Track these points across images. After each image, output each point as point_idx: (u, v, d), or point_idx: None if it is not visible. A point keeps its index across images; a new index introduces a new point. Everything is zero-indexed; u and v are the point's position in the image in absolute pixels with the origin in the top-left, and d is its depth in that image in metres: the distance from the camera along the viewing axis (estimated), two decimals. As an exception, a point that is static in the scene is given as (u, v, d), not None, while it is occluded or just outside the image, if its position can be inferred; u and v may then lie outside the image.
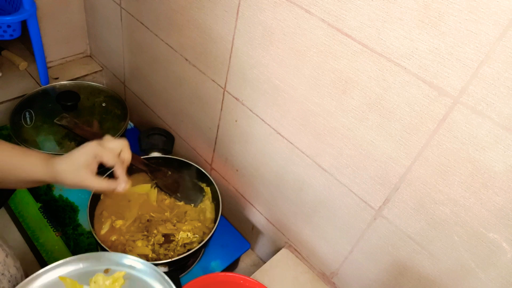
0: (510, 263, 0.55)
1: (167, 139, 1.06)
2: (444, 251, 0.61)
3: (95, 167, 0.64)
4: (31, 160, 0.63)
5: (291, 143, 0.77)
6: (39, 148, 0.97)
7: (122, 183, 0.66)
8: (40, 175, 0.63)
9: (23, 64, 1.24)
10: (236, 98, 0.84)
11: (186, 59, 0.92)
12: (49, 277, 0.59)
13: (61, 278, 0.59)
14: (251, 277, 0.82)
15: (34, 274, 0.58)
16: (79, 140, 1.01)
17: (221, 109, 0.90)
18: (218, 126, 0.93)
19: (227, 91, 0.85)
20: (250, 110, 0.82)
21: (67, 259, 0.61)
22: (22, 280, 0.54)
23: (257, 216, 0.97)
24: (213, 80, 0.88)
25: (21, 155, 0.63)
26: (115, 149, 0.65)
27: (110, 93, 1.15)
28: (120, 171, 0.66)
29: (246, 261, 1.04)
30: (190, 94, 0.97)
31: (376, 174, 0.65)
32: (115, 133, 1.04)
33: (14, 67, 1.24)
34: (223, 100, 0.88)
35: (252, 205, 0.97)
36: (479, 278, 0.59)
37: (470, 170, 0.54)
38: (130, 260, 0.62)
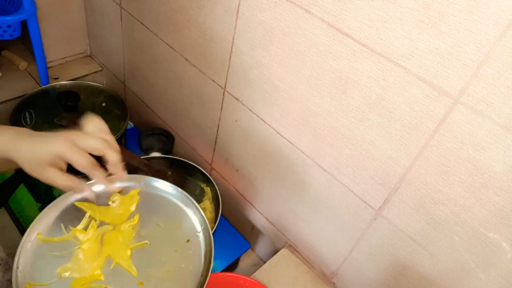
0: (510, 263, 0.55)
1: (167, 139, 1.06)
2: (444, 251, 0.61)
3: (64, 165, 0.54)
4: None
5: (291, 143, 0.77)
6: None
7: (88, 188, 0.57)
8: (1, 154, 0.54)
9: (23, 64, 1.24)
10: (236, 98, 0.84)
11: (186, 59, 0.92)
12: (66, 203, 0.60)
13: (77, 203, 0.59)
14: (251, 277, 0.83)
15: (51, 204, 0.59)
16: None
17: (221, 109, 0.90)
18: (218, 126, 0.93)
19: (227, 91, 0.85)
20: (250, 110, 0.82)
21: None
22: (13, 264, 0.54)
23: (257, 216, 0.97)
24: (213, 80, 0.88)
25: None
26: (91, 149, 0.54)
27: (110, 93, 1.15)
28: (97, 178, 0.55)
29: (246, 261, 1.04)
30: (190, 94, 0.97)
31: (376, 174, 0.65)
32: (115, 133, 1.04)
33: (14, 67, 1.24)
34: (223, 100, 0.88)
35: (252, 205, 0.97)
36: (479, 278, 0.59)
37: (470, 170, 0.54)
38: (142, 178, 0.64)
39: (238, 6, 0.72)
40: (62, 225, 0.57)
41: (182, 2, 0.84)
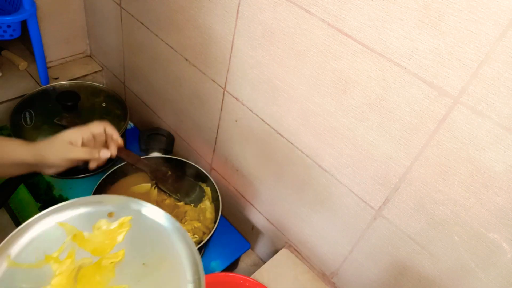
0: (510, 263, 0.55)
1: (167, 139, 1.06)
2: (444, 251, 0.61)
3: (80, 142, 0.67)
4: (14, 142, 0.65)
5: (291, 143, 0.77)
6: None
7: (104, 149, 0.70)
8: (23, 156, 0.64)
9: (23, 64, 1.24)
10: (236, 98, 0.84)
11: (186, 59, 0.92)
12: (46, 224, 0.53)
13: (60, 224, 0.53)
14: (251, 277, 0.83)
15: (29, 220, 0.52)
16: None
17: (221, 109, 0.90)
18: (218, 126, 0.93)
19: (227, 91, 0.85)
20: (250, 110, 0.82)
21: (65, 203, 0.54)
22: None
23: (257, 216, 0.97)
24: (213, 80, 0.88)
25: (3, 140, 0.66)
26: (98, 127, 0.70)
27: (110, 93, 1.15)
28: (110, 130, 0.71)
29: (246, 261, 1.04)
30: (190, 94, 0.97)
31: (376, 174, 0.65)
32: (115, 133, 1.04)
33: (14, 67, 1.24)
34: (223, 100, 0.88)
35: (252, 205, 0.97)
36: (479, 278, 0.59)
37: (470, 170, 0.54)
38: (136, 203, 0.55)
39: (238, 6, 0.72)
40: (37, 248, 0.50)
41: (182, 2, 0.84)
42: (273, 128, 0.79)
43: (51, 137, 0.67)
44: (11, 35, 1.01)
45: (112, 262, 0.50)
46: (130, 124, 1.27)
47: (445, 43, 0.49)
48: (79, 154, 0.67)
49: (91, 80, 1.29)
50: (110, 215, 0.55)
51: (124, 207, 0.56)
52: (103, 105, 1.11)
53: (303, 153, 0.76)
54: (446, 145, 0.55)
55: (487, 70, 0.47)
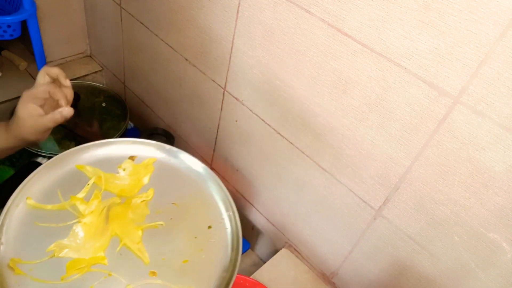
0: (510, 263, 0.55)
1: (167, 139, 1.06)
2: (444, 251, 0.61)
3: (40, 109, 0.63)
4: None
5: (291, 143, 0.77)
6: (39, 148, 0.97)
7: (64, 108, 0.65)
8: (4, 143, 0.64)
9: (23, 64, 1.24)
10: (236, 98, 0.84)
11: (186, 59, 0.92)
12: (61, 168, 0.50)
13: (78, 166, 0.51)
14: (251, 277, 0.83)
15: (48, 162, 0.51)
16: (79, 140, 1.01)
17: (221, 109, 0.90)
18: (218, 126, 0.93)
19: (227, 91, 0.85)
20: (250, 110, 0.82)
21: (83, 146, 0.52)
22: None
23: (257, 216, 0.97)
24: (213, 80, 0.88)
25: None
26: (41, 80, 0.66)
27: (110, 93, 1.15)
28: (58, 95, 0.64)
29: (246, 261, 1.04)
30: (190, 94, 0.97)
31: (376, 174, 0.65)
32: (115, 133, 1.04)
33: (14, 67, 1.24)
34: (223, 100, 0.88)
35: (252, 205, 0.97)
36: (479, 278, 0.59)
37: (470, 170, 0.54)
38: (159, 145, 0.54)
39: (238, 6, 0.72)
40: (58, 190, 0.48)
41: (182, 2, 0.84)
42: (273, 128, 0.79)
43: (14, 115, 0.64)
44: (11, 35, 1.01)
45: (143, 201, 0.50)
46: (130, 124, 1.27)
47: (445, 43, 0.49)
48: (48, 124, 0.63)
49: (91, 80, 1.29)
50: (131, 158, 0.53)
51: (145, 150, 0.54)
52: (103, 105, 1.12)
53: (303, 153, 0.76)
54: (446, 145, 0.55)
55: (487, 70, 0.47)
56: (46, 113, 0.63)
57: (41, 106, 0.64)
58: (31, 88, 0.66)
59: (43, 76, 0.66)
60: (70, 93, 0.66)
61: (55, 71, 0.66)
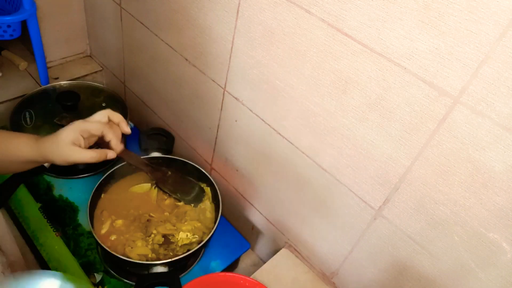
0: (510, 263, 0.55)
1: (167, 139, 1.06)
2: (444, 251, 0.61)
3: (83, 142, 0.66)
4: (20, 141, 0.65)
5: (291, 143, 0.77)
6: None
7: (110, 151, 0.69)
8: (30, 155, 0.65)
9: (23, 64, 1.24)
10: (236, 98, 0.84)
11: (186, 59, 0.92)
12: None
13: None
14: (251, 277, 0.83)
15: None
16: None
17: (221, 109, 0.90)
18: (218, 126, 0.93)
19: (227, 91, 0.85)
20: (250, 110, 0.82)
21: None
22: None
23: (257, 216, 0.97)
24: (213, 80, 0.88)
25: (9, 137, 0.66)
26: (101, 119, 0.69)
27: (110, 93, 1.15)
28: (110, 136, 0.68)
29: (246, 261, 1.04)
30: (190, 94, 0.97)
31: (376, 174, 0.65)
32: (115, 133, 1.04)
33: (14, 67, 1.24)
34: (223, 100, 0.88)
35: (252, 205, 0.97)
36: (479, 278, 0.59)
37: (470, 170, 0.54)
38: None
39: (238, 6, 0.72)
40: None
41: (182, 2, 0.84)
42: (273, 128, 0.79)
43: (54, 134, 0.65)
44: (11, 35, 1.01)
45: None
46: (130, 124, 1.27)
47: (445, 43, 0.49)
48: (85, 158, 0.66)
49: (91, 80, 1.29)
50: None
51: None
52: (103, 105, 1.11)
53: (303, 153, 0.76)
54: (446, 145, 0.55)
55: (487, 70, 0.47)
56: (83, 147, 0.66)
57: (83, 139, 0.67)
58: (85, 119, 0.68)
59: (104, 116, 0.69)
60: (119, 136, 0.71)
61: (119, 117, 0.70)
